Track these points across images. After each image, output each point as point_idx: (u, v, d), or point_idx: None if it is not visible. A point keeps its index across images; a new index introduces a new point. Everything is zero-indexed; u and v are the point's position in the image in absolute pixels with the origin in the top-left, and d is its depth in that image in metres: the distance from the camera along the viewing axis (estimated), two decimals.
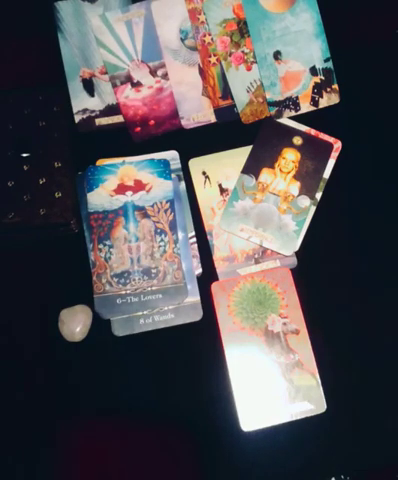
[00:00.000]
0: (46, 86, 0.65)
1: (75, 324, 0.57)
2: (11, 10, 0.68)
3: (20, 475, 0.55)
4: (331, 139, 0.63)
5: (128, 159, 0.62)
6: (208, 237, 0.61)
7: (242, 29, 0.63)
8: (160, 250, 0.59)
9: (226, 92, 0.64)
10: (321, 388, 0.55)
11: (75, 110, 0.64)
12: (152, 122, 0.64)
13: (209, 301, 0.58)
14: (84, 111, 0.64)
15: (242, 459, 0.55)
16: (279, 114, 0.64)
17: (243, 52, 0.63)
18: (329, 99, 0.64)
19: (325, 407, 0.54)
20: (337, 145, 0.63)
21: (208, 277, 0.59)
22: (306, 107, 0.64)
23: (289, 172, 0.62)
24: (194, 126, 0.64)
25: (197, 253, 0.60)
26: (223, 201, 0.62)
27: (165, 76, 0.64)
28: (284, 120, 0.64)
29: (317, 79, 0.64)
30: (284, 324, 0.57)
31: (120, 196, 0.60)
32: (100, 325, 0.58)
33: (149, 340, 0.58)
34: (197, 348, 0.58)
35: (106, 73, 0.64)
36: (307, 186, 0.61)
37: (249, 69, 0.63)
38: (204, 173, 0.63)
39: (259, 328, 0.57)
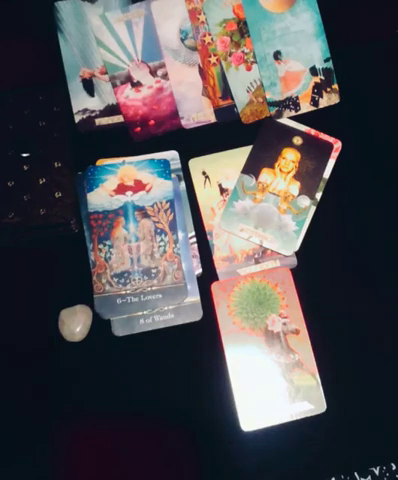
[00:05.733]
0: (46, 86, 0.65)
1: (75, 324, 0.57)
2: (11, 10, 0.68)
3: (20, 475, 0.55)
4: (331, 139, 0.63)
5: (128, 159, 0.62)
6: (208, 237, 0.61)
7: (242, 29, 0.63)
8: (160, 250, 0.59)
9: (226, 92, 0.64)
10: (321, 388, 0.55)
11: (75, 110, 0.64)
12: (152, 122, 0.64)
13: (209, 301, 0.58)
14: (84, 111, 0.64)
15: (242, 459, 0.55)
16: (279, 114, 0.64)
17: (243, 52, 0.63)
18: (329, 99, 0.64)
19: (325, 407, 0.54)
20: (337, 145, 0.63)
21: (208, 277, 0.59)
22: (306, 107, 0.64)
23: (289, 172, 0.62)
24: (194, 126, 0.64)
25: (197, 253, 0.60)
26: (223, 201, 0.62)
27: (165, 76, 0.64)
28: (284, 120, 0.64)
29: (317, 79, 0.64)
30: (284, 324, 0.57)
31: (120, 196, 0.60)
32: (100, 325, 0.58)
33: (149, 340, 0.58)
34: (197, 348, 0.58)
35: (106, 73, 0.64)
36: (307, 186, 0.61)
37: (249, 69, 0.63)
38: (204, 173, 0.63)
39: (259, 328, 0.57)
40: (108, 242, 0.59)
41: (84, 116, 0.64)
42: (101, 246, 0.59)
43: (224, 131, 0.64)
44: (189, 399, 0.56)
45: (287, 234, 0.60)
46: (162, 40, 0.64)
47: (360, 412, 0.56)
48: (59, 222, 0.60)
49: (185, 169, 0.63)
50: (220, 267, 0.60)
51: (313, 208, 0.61)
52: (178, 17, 0.64)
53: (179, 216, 0.60)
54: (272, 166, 0.62)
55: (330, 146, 0.63)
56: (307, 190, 0.61)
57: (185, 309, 0.58)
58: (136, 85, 0.64)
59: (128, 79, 0.64)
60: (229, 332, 0.57)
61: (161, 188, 0.61)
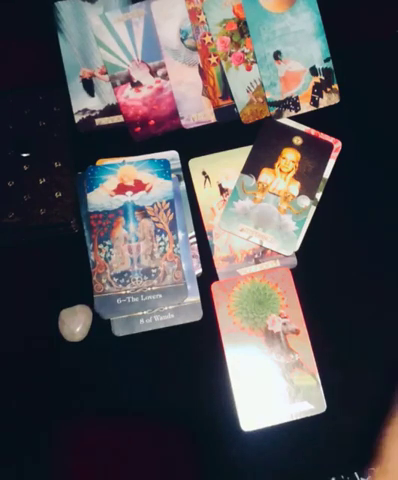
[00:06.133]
0: (46, 86, 0.65)
1: (75, 324, 0.57)
2: (11, 10, 0.68)
3: (20, 475, 0.55)
4: (331, 139, 0.63)
5: (128, 159, 0.62)
6: (208, 237, 0.61)
7: (242, 29, 0.63)
8: (160, 250, 0.59)
9: (226, 92, 0.64)
10: (321, 388, 0.55)
11: (75, 110, 0.64)
12: (152, 122, 0.64)
13: (209, 301, 0.58)
14: (84, 111, 0.64)
15: (242, 459, 0.55)
16: (279, 114, 0.64)
17: (243, 52, 0.63)
18: (329, 99, 0.64)
19: (325, 407, 0.54)
20: (337, 145, 0.63)
21: (208, 277, 0.59)
22: (306, 107, 0.64)
23: (289, 172, 0.62)
24: (194, 126, 0.64)
25: (197, 253, 0.60)
26: (223, 201, 0.62)
27: (165, 76, 0.64)
28: (284, 120, 0.64)
29: (317, 79, 0.64)
30: (284, 324, 0.57)
31: (120, 196, 0.60)
32: (100, 325, 0.58)
33: (149, 340, 0.58)
34: (197, 348, 0.58)
35: (106, 73, 0.64)
36: (307, 186, 0.61)
37: (249, 69, 0.63)
38: (204, 173, 0.63)
39: (259, 328, 0.57)
40: (108, 242, 0.59)
41: (84, 116, 0.64)
42: (101, 246, 0.59)
43: (224, 131, 0.64)
44: (189, 399, 0.56)
45: (287, 234, 0.60)
46: (162, 40, 0.64)
47: (360, 412, 0.56)
48: (59, 222, 0.60)
49: (185, 169, 0.63)
50: (220, 267, 0.60)
51: (313, 208, 0.61)
52: (178, 17, 0.64)
53: (179, 216, 0.60)
54: (272, 166, 0.62)
55: (330, 146, 0.63)
56: (307, 190, 0.61)
57: (185, 309, 0.58)
58: (136, 85, 0.64)
59: (128, 79, 0.64)
60: (229, 332, 0.57)
61: (161, 188, 0.61)
